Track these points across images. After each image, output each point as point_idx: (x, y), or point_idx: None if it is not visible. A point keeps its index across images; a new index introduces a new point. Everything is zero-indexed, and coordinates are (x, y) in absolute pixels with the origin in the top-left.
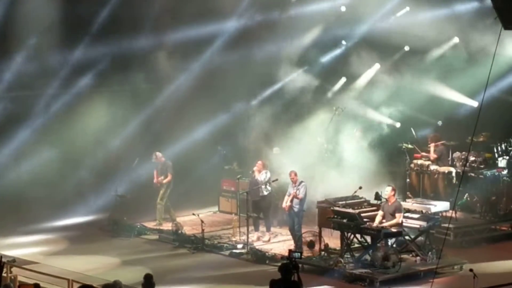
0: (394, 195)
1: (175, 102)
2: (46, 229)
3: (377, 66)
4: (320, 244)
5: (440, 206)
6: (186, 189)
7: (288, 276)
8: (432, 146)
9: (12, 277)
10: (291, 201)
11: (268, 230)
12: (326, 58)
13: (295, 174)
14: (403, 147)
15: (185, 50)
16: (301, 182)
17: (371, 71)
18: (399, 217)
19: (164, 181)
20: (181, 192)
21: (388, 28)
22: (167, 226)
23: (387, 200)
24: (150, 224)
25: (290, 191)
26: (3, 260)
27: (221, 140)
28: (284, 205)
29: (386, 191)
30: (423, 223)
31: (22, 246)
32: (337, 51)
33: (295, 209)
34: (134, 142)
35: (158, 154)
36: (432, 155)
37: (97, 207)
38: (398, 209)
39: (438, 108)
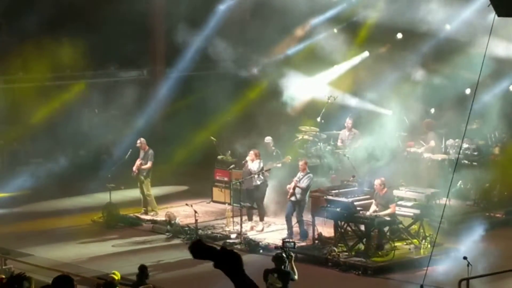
0: (383, 187)
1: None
2: None
3: (366, 53)
4: (313, 233)
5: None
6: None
7: (282, 266)
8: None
9: (7, 270)
10: (294, 189)
11: (261, 219)
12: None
13: (305, 163)
14: (396, 134)
15: None
16: (308, 173)
17: (360, 58)
18: (393, 207)
19: (144, 167)
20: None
21: (381, 14)
22: (161, 216)
23: (378, 191)
24: (144, 215)
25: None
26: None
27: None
28: (288, 187)
29: (375, 184)
30: (417, 211)
31: None
32: (327, 38)
33: (297, 197)
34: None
35: (143, 140)
36: (431, 144)
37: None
38: (391, 200)
39: (430, 95)
